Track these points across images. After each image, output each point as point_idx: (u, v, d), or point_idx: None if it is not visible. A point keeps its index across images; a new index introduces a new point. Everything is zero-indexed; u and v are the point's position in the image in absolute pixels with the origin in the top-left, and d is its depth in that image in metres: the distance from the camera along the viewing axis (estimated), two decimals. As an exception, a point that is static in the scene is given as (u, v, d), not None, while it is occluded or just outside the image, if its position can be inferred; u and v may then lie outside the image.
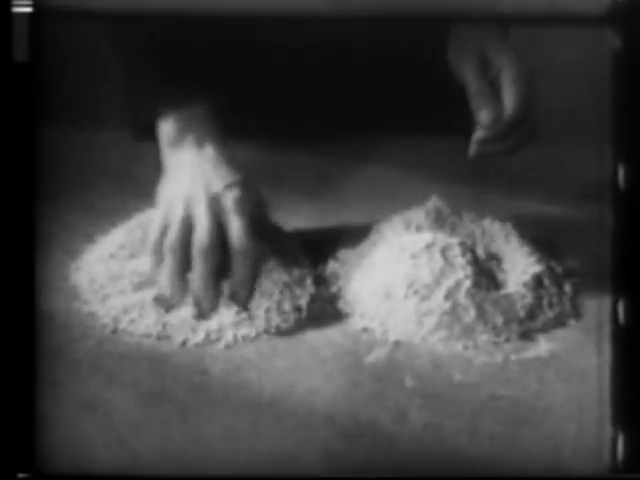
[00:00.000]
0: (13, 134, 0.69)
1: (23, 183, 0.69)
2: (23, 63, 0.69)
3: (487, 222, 0.87)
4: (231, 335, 0.75)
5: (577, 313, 0.80)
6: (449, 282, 0.78)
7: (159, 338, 0.76)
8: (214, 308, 0.77)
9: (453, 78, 0.92)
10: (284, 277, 0.80)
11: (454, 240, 0.81)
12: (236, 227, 0.78)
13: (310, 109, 1.04)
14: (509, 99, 0.86)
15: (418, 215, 0.86)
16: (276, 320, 0.77)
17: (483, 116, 0.86)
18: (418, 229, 0.85)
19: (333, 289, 0.81)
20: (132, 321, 0.77)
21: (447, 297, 0.77)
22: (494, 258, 0.84)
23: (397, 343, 0.76)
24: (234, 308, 0.76)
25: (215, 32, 0.96)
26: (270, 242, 0.82)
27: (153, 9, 0.77)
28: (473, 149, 0.87)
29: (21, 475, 0.66)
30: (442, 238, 0.81)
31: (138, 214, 0.86)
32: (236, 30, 0.96)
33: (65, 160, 0.95)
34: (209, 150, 0.84)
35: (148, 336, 0.76)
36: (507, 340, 0.77)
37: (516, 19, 0.83)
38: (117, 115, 1.01)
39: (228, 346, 0.75)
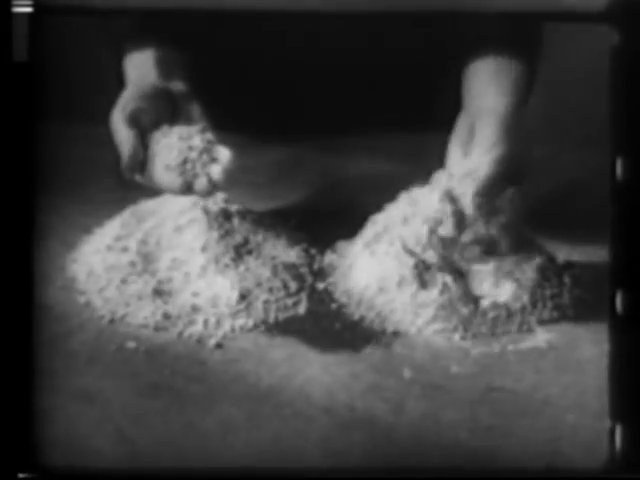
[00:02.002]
0: (13, 131, 0.69)
1: (22, 177, 0.69)
2: (23, 63, 0.69)
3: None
4: (229, 326, 0.75)
5: (575, 304, 0.80)
6: (446, 273, 0.78)
7: (157, 329, 0.76)
8: None
9: (453, 75, 0.92)
10: (282, 268, 0.80)
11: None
12: None
13: (313, 105, 1.05)
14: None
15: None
16: (274, 311, 0.77)
17: None
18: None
19: (330, 280, 0.81)
20: (129, 312, 0.77)
21: (444, 288, 0.77)
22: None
23: (395, 334, 0.76)
24: (234, 297, 0.76)
25: (214, 27, 0.97)
26: (267, 232, 0.82)
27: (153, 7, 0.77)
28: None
29: (21, 475, 0.66)
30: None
31: (132, 206, 0.87)
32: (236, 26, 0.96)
33: (63, 155, 0.95)
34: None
35: (146, 327, 0.76)
36: (505, 331, 0.77)
37: (515, 16, 0.83)
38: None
39: (226, 337, 0.75)
